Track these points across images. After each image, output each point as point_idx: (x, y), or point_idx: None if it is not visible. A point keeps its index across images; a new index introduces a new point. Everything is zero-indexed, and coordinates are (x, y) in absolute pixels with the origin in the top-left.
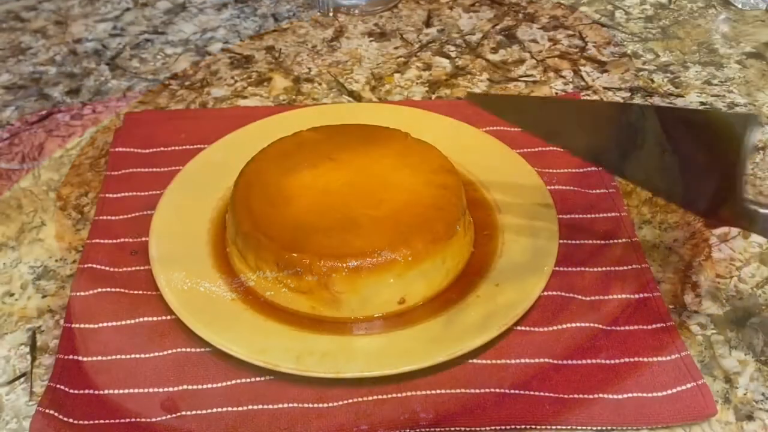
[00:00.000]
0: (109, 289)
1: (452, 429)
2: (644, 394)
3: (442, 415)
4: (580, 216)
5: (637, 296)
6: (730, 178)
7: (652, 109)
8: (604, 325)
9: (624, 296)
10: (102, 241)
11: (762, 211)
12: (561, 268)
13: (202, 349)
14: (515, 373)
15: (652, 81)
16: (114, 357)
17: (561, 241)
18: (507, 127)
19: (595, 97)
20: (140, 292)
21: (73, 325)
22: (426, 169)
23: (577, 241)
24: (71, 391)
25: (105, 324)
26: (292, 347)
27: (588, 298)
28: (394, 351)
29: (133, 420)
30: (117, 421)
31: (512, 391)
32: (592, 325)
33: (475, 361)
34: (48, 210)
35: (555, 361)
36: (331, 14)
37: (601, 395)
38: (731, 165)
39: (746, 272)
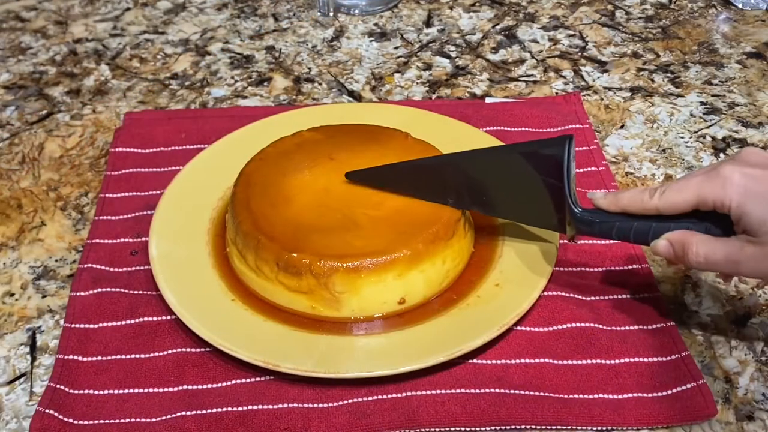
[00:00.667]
0: (109, 289)
1: (452, 429)
2: (644, 394)
3: (442, 415)
4: None
5: (637, 296)
6: (559, 194)
7: (493, 151)
8: (604, 325)
9: (624, 296)
10: (102, 241)
11: (589, 217)
12: (561, 268)
13: (202, 349)
14: (515, 373)
15: (653, 81)
16: (114, 357)
17: (561, 242)
18: (507, 127)
19: (596, 97)
20: (140, 292)
21: (73, 325)
22: None
23: (577, 242)
24: (71, 391)
25: (105, 324)
26: (292, 347)
27: (588, 298)
28: (394, 351)
29: (133, 420)
30: (117, 421)
31: (512, 391)
32: (592, 325)
33: (475, 361)
34: (48, 210)
35: (555, 361)
36: (331, 14)
37: (601, 395)
38: (558, 183)
39: None
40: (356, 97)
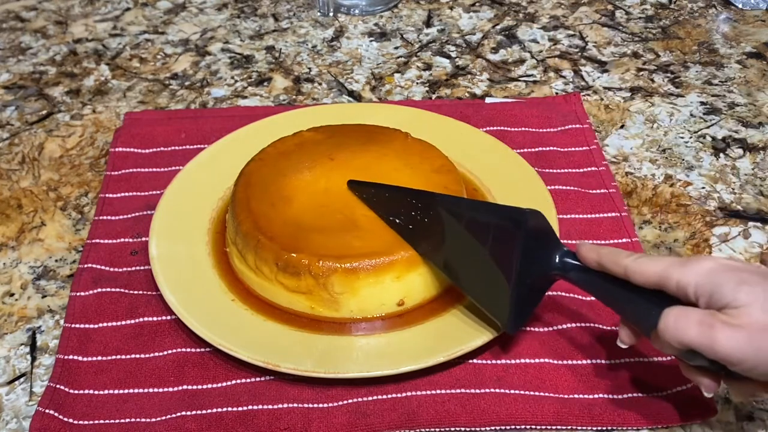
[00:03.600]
0: (109, 289)
1: (452, 429)
2: (644, 394)
3: (442, 415)
4: (581, 216)
5: None
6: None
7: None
8: (604, 325)
9: None
10: (102, 241)
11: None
12: None
13: (202, 349)
14: (515, 373)
15: (653, 81)
16: (114, 357)
17: (561, 241)
18: (507, 127)
19: (596, 97)
20: (140, 292)
21: (73, 325)
22: (427, 168)
23: (578, 241)
24: (71, 391)
25: (105, 324)
26: (292, 347)
27: (588, 298)
28: (394, 351)
29: (133, 420)
30: (117, 421)
31: (512, 391)
32: (592, 325)
33: (475, 361)
34: (48, 210)
35: (555, 361)
36: (331, 14)
37: (601, 395)
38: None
39: None
40: (356, 97)
